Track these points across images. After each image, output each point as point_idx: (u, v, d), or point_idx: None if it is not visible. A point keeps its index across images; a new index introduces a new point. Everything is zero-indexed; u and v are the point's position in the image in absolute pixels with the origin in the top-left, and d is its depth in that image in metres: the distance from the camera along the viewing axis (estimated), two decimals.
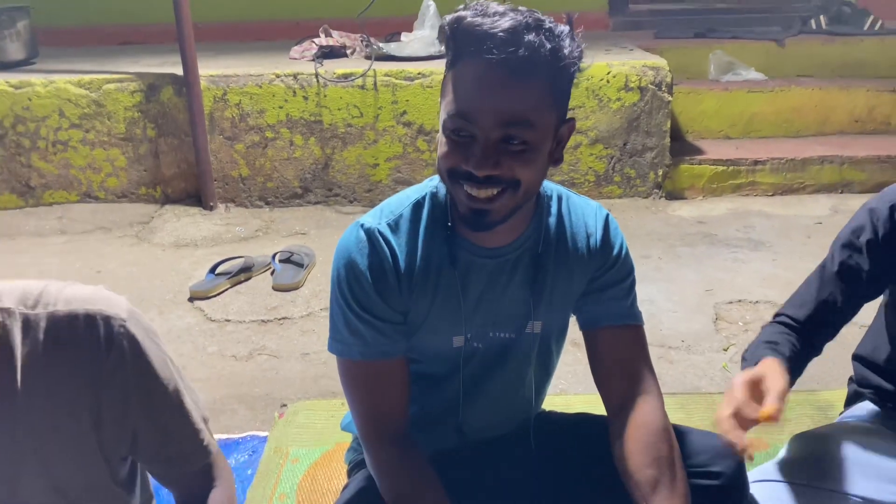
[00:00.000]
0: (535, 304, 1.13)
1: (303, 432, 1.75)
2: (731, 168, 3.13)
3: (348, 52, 3.38)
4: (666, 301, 2.35)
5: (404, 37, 3.29)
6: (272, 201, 3.17)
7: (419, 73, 3.01)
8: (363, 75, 2.99)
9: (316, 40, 3.34)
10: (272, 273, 2.58)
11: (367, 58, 3.23)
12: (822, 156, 3.13)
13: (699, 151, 3.22)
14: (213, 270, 2.54)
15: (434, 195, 1.10)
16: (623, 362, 1.14)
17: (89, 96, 3.05)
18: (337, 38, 3.39)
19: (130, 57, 3.53)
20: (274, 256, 2.63)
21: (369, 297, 1.06)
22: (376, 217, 1.09)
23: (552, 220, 1.13)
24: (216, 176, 3.11)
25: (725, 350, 2.08)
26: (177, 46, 2.93)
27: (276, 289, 2.49)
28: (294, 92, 3.02)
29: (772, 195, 3.14)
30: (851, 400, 1.41)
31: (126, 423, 0.91)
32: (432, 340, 1.12)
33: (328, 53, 3.31)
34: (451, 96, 0.96)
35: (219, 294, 2.46)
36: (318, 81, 3.01)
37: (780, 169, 3.12)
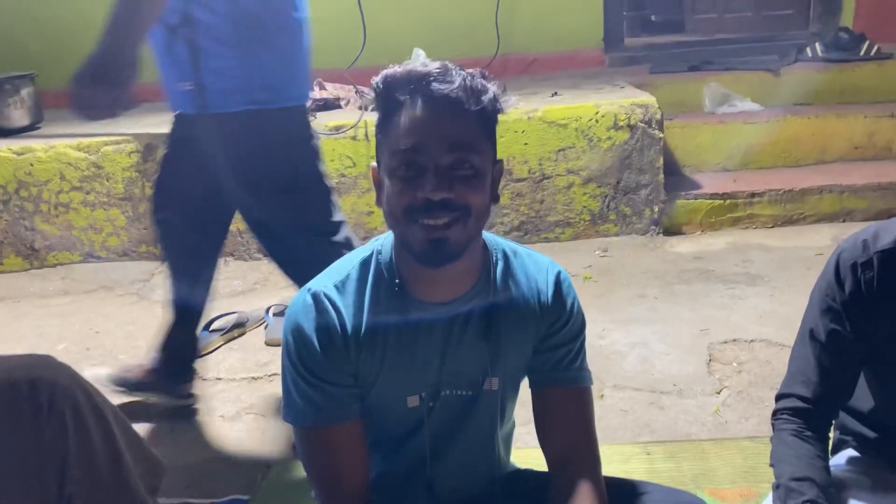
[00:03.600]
0: (491, 359, 1.12)
1: (286, 494, 1.74)
2: (729, 201, 3.10)
3: (342, 103, 3.44)
4: (659, 343, 2.31)
5: None
6: None
7: None
8: (354, 127, 3.03)
9: (310, 94, 3.39)
10: (265, 327, 2.59)
11: (361, 108, 3.29)
12: (822, 185, 3.09)
13: (696, 186, 3.20)
14: (207, 327, 2.55)
15: (381, 253, 1.12)
16: (567, 423, 1.15)
17: (88, 159, 3.13)
18: (331, 91, 3.45)
19: (132, 116, 3.61)
20: (268, 310, 2.64)
21: (318, 362, 1.07)
22: (323, 280, 1.11)
23: (501, 273, 1.13)
24: None
25: (718, 393, 2.03)
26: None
27: (268, 344, 2.50)
28: None
29: (771, 227, 3.10)
30: (836, 447, 1.37)
31: (61, 494, 0.92)
32: (385, 402, 1.12)
33: (323, 106, 3.37)
34: (397, 136, 1.01)
35: (212, 352, 2.48)
36: None
37: (778, 200, 3.09)
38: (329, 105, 3.40)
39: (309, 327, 1.07)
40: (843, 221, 3.08)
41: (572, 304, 1.17)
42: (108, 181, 3.14)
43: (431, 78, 0.99)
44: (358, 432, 1.10)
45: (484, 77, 1.04)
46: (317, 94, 3.40)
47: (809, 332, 1.22)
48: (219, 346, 2.50)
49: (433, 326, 1.10)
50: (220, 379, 2.32)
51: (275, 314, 2.63)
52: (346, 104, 3.45)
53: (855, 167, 3.24)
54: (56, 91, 3.91)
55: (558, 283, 1.16)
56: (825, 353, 1.20)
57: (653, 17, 5.61)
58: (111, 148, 3.12)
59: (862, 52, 3.66)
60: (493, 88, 1.03)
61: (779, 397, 1.26)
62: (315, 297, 1.08)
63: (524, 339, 1.14)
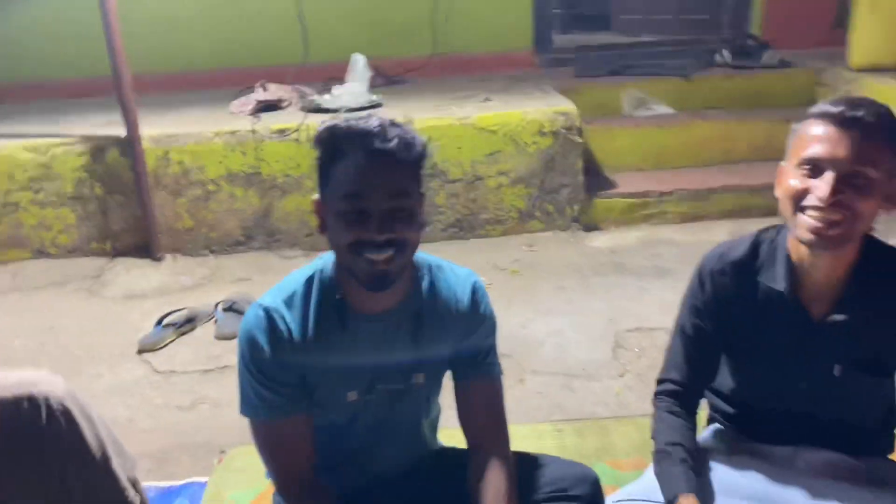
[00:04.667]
0: (418, 359, 1.34)
1: (239, 476, 1.94)
2: (642, 200, 3.41)
3: (284, 104, 3.60)
4: (573, 332, 2.60)
5: (335, 89, 3.52)
6: (216, 249, 3.37)
7: None
8: (297, 130, 3.21)
9: (253, 95, 3.55)
10: (215, 322, 2.77)
11: (302, 110, 3.46)
12: (724, 185, 3.43)
13: (613, 185, 3.49)
14: (159, 323, 2.72)
15: (322, 272, 1.29)
16: (482, 409, 1.39)
17: (38, 160, 3.22)
18: (273, 92, 3.61)
19: (77, 114, 3.71)
20: (217, 306, 2.82)
21: (269, 367, 1.25)
22: (273, 296, 1.28)
23: (427, 287, 1.34)
24: (162, 228, 3.30)
25: (621, 376, 2.33)
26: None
27: (218, 338, 2.68)
28: (233, 148, 3.23)
29: (679, 223, 3.42)
30: (709, 422, 1.65)
31: (64, 486, 1.12)
32: (329, 397, 1.32)
33: (266, 107, 3.53)
34: (344, 184, 1.18)
35: (165, 346, 2.65)
36: (254, 137, 3.22)
37: (686, 199, 3.41)
38: (272, 106, 3.56)
39: (261, 338, 1.24)
40: (743, 218, 3.42)
41: (485, 310, 1.38)
42: (57, 181, 3.25)
43: (373, 136, 1.16)
44: (304, 423, 1.30)
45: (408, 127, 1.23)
46: (260, 95, 3.56)
47: (681, 328, 1.49)
48: (171, 341, 2.67)
49: (369, 333, 1.28)
50: (174, 372, 2.50)
51: (224, 309, 2.81)
52: (288, 105, 3.61)
53: (755, 168, 3.59)
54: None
55: (474, 293, 1.37)
56: (692, 344, 1.46)
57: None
58: (61, 150, 3.23)
59: (764, 61, 4.01)
60: (422, 140, 1.21)
61: (658, 382, 1.52)
62: (266, 311, 1.25)
63: (446, 341, 1.36)
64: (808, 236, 1.21)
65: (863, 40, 3.57)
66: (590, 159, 3.52)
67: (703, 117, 3.77)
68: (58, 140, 3.25)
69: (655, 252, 3.19)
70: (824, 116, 1.19)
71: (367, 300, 1.26)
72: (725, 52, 4.09)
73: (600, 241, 3.33)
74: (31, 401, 1.09)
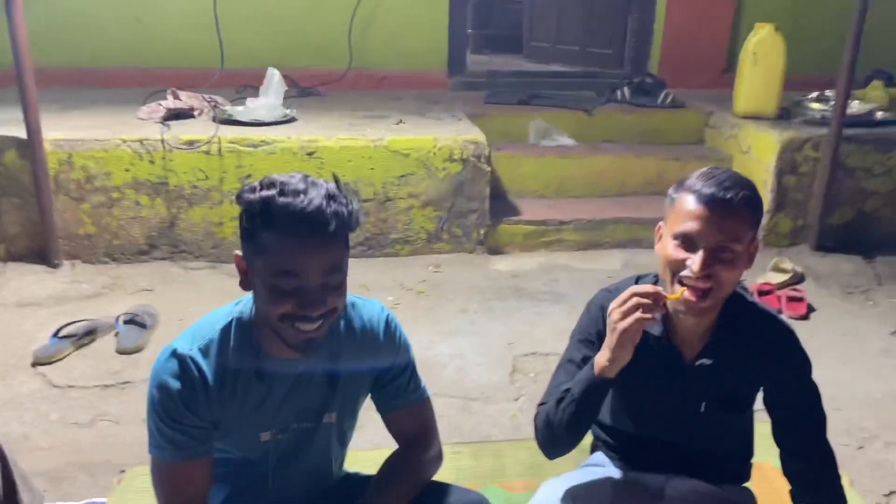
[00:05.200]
0: (330, 397, 1.38)
1: (140, 497, 1.94)
2: (542, 227, 3.59)
3: (196, 113, 3.56)
4: (474, 354, 2.73)
5: (250, 102, 3.52)
6: (118, 258, 3.30)
7: (262, 141, 3.25)
8: (208, 143, 3.20)
9: (163, 102, 3.50)
10: (116, 335, 2.73)
11: (214, 120, 3.44)
12: (618, 217, 3.67)
13: (517, 211, 3.67)
14: (56, 334, 2.65)
15: (240, 320, 1.31)
16: (416, 430, 1.47)
17: None
18: (185, 100, 3.56)
19: None
20: (118, 318, 2.78)
21: (181, 413, 1.26)
22: (188, 342, 1.28)
23: (343, 325, 1.38)
24: (61, 234, 3.21)
25: (516, 400, 2.48)
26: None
27: (119, 352, 2.64)
28: (140, 156, 3.18)
29: (576, 251, 3.63)
30: (592, 449, 1.80)
31: None
32: (242, 437, 1.35)
33: (176, 115, 3.48)
34: (275, 258, 1.16)
35: (63, 358, 2.59)
36: (164, 147, 3.18)
37: (582, 228, 3.63)
38: (182, 115, 3.52)
39: (174, 386, 1.24)
40: (634, 248, 3.67)
41: (400, 340, 1.43)
42: None
43: (312, 218, 1.13)
44: (207, 465, 1.32)
45: (353, 193, 1.24)
46: (170, 103, 3.51)
47: (568, 360, 1.62)
48: (69, 354, 2.61)
49: (286, 377, 1.31)
50: (72, 386, 2.45)
51: (125, 322, 2.76)
52: (200, 114, 3.58)
53: (646, 201, 3.85)
54: None
55: (388, 325, 1.41)
56: (575, 373, 1.59)
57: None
58: None
59: (659, 100, 4.30)
60: (357, 211, 1.20)
61: (539, 405, 1.61)
62: (181, 360, 1.25)
63: (362, 377, 1.42)
64: (681, 307, 1.39)
65: (745, 90, 3.90)
66: (496, 184, 3.68)
67: (602, 150, 4.01)
68: None
69: (553, 277, 3.37)
70: (698, 195, 1.35)
71: (287, 349, 1.27)
72: (626, 90, 4.36)
73: (503, 264, 3.49)
74: None
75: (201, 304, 3.00)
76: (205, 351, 1.27)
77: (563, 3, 5.37)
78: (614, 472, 1.68)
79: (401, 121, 3.62)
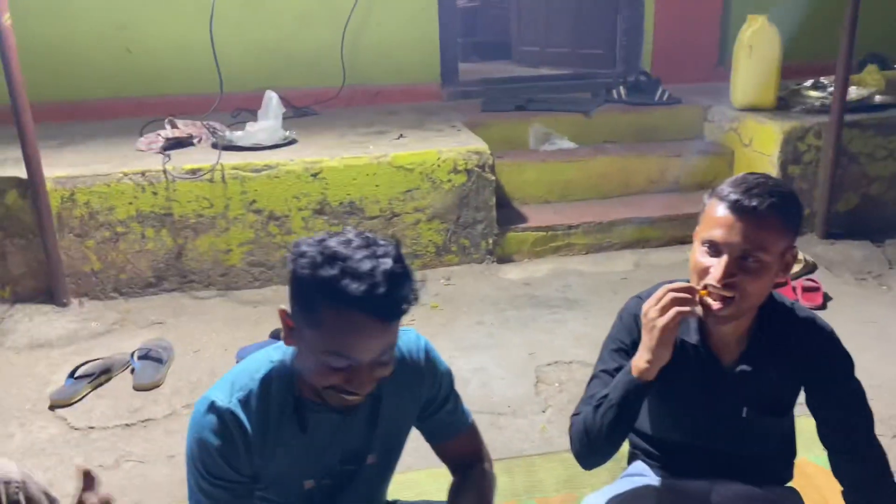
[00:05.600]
0: (374, 438, 1.34)
1: None
2: (550, 233, 3.58)
3: (195, 141, 3.53)
4: (496, 368, 2.70)
5: (249, 126, 3.49)
6: (126, 292, 3.26)
7: (266, 166, 3.23)
8: (211, 170, 3.17)
9: (162, 132, 3.47)
10: (132, 372, 2.69)
11: (214, 146, 3.42)
12: (625, 217, 3.65)
13: (524, 218, 3.65)
14: (72, 375, 2.61)
15: (279, 369, 1.25)
16: (465, 456, 1.46)
17: None
18: (182, 129, 3.54)
19: None
20: (133, 354, 2.74)
21: (221, 469, 1.21)
22: (226, 394, 1.22)
23: None
24: (68, 272, 3.17)
25: (544, 412, 2.45)
26: (15, 131, 2.96)
27: (136, 388, 2.60)
28: (143, 188, 3.15)
29: (585, 254, 3.62)
30: (630, 458, 1.78)
31: None
32: (285, 488, 1.31)
33: (176, 144, 3.45)
34: (330, 338, 1.10)
35: (80, 399, 2.55)
36: (166, 177, 3.15)
37: (590, 231, 3.61)
38: (181, 143, 3.49)
39: (213, 442, 1.19)
40: (643, 248, 3.66)
41: (441, 365, 1.38)
42: None
43: (379, 302, 1.06)
44: None
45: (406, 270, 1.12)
46: (168, 132, 3.48)
47: (602, 370, 1.60)
48: (87, 394, 2.58)
49: (328, 425, 1.27)
50: (92, 427, 2.41)
51: (140, 357, 2.73)
52: (199, 141, 3.55)
53: (651, 199, 3.84)
54: None
55: (427, 354, 1.35)
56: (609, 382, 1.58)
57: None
58: None
59: (657, 97, 4.29)
60: (415, 286, 1.13)
61: (573, 416, 1.59)
62: (220, 414, 1.20)
63: (406, 412, 1.38)
64: (703, 313, 1.37)
65: (743, 82, 3.90)
66: (500, 193, 3.66)
67: (603, 152, 4.00)
68: None
69: (565, 283, 3.35)
70: (725, 200, 1.33)
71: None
72: (622, 89, 4.35)
73: (514, 273, 3.47)
74: None
75: (214, 333, 2.98)
76: (244, 402, 1.22)
77: (551, 5, 5.36)
78: (655, 480, 1.66)
79: (401, 135, 3.60)
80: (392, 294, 1.08)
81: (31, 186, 3.00)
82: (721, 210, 1.34)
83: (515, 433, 2.34)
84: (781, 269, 1.38)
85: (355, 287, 1.06)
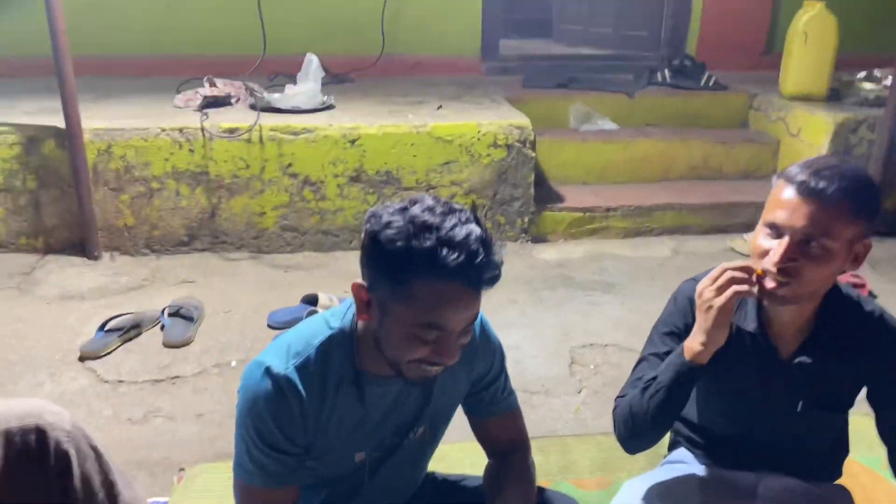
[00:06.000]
0: (425, 411, 1.30)
1: (202, 496, 1.89)
2: (588, 214, 3.50)
3: (233, 100, 3.49)
4: (529, 346, 2.65)
5: (288, 88, 3.44)
6: (158, 249, 3.24)
7: (304, 129, 3.18)
8: (249, 130, 3.12)
9: (200, 90, 3.43)
10: (162, 328, 2.67)
11: (252, 107, 3.37)
12: (665, 203, 3.57)
13: (561, 199, 3.57)
14: (102, 328, 2.60)
15: (339, 338, 1.19)
16: (505, 439, 1.41)
17: None
18: (221, 88, 3.49)
19: (6, 97, 3.49)
20: (163, 311, 2.72)
21: (274, 437, 1.15)
22: (282, 359, 1.16)
23: None
24: (100, 225, 3.15)
25: (579, 393, 2.40)
26: (55, 83, 2.94)
27: (166, 345, 2.58)
28: (180, 145, 3.11)
29: (623, 238, 3.54)
30: (672, 446, 1.73)
31: None
32: (337, 459, 1.26)
33: (213, 103, 3.41)
34: (424, 311, 1.06)
35: (110, 353, 2.53)
36: (203, 135, 3.11)
37: (629, 215, 3.53)
38: (220, 102, 3.45)
39: (267, 408, 1.13)
40: (682, 235, 3.58)
41: (494, 339, 1.34)
42: None
43: (470, 267, 1.02)
44: (294, 493, 1.22)
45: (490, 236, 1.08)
46: (207, 90, 3.44)
47: (652, 353, 1.54)
48: (116, 348, 2.56)
49: (384, 396, 1.23)
50: (122, 381, 2.39)
51: (170, 315, 2.71)
52: (237, 101, 3.51)
53: (692, 186, 3.75)
54: None
55: (482, 326, 1.31)
56: (658, 365, 1.51)
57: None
58: None
59: (702, 82, 4.18)
60: (502, 250, 1.09)
61: (618, 398, 1.53)
62: (276, 380, 1.13)
63: (457, 390, 1.34)
64: (759, 294, 1.30)
65: (795, 70, 3.78)
66: (537, 171, 3.58)
67: (645, 134, 3.91)
68: None
69: (601, 266, 3.29)
70: (792, 181, 1.25)
71: (386, 367, 1.17)
72: (666, 72, 4.24)
73: (548, 253, 3.41)
74: (39, 433, 1.03)
75: (245, 295, 2.95)
76: (301, 369, 1.15)
77: None
78: (699, 469, 1.61)
79: (440, 106, 3.53)
80: (489, 262, 1.05)
81: (69, 137, 2.97)
82: (787, 191, 1.26)
83: (549, 412, 2.29)
84: (850, 261, 1.30)
85: (454, 257, 1.02)
